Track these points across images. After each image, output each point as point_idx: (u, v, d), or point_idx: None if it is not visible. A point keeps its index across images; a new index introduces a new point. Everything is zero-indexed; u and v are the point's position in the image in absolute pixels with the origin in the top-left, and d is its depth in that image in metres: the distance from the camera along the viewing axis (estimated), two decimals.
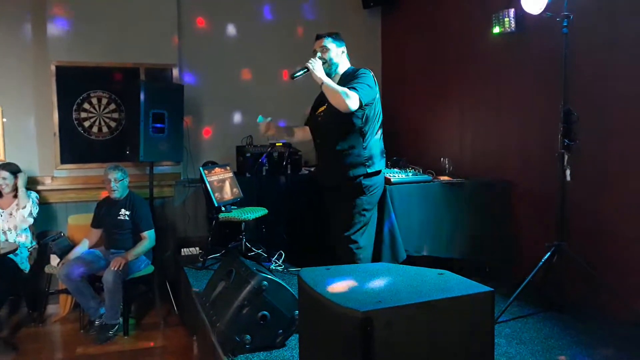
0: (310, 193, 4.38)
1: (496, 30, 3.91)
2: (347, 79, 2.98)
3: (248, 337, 2.69)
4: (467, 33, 4.41)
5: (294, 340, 2.80)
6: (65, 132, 4.81)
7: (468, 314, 1.67)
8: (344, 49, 3.12)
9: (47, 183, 4.82)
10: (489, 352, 1.72)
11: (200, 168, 4.37)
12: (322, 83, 2.86)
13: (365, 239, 3.06)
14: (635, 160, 3.03)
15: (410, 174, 3.83)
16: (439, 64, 4.82)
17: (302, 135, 3.35)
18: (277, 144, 4.95)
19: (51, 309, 4.39)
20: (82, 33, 4.80)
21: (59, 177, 4.84)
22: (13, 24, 4.73)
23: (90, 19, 4.81)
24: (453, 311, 1.64)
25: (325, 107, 3.02)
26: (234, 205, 4.39)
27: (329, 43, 3.06)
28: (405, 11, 5.43)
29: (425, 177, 3.84)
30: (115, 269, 3.75)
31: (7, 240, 4.18)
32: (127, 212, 4.10)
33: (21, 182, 4.30)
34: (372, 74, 3.01)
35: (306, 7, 5.56)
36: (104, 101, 4.92)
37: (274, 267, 4.26)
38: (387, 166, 4.09)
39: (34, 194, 4.41)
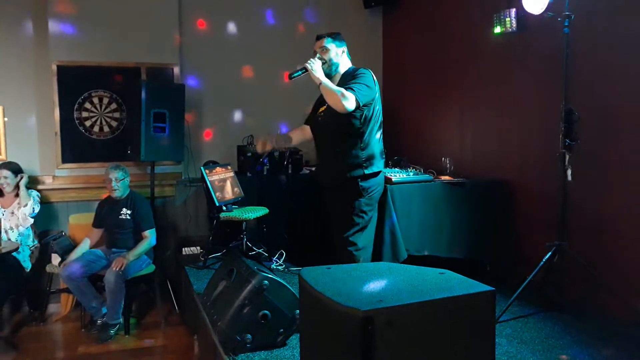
0: (311, 193, 4.38)
1: (497, 30, 3.91)
2: (347, 79, 2.97)
3: (249, 336, 2.69)
4: (468, 33, 4.41)
5: (294, 340, 2.80)
6: (67, 131, 4.81)
7: (469, 314, 1.66)
8: (344, 48, 3.11)
9: (48, 182, 4.83)
10: (489, 352, 1.72)
11: (202, 167, 4.37)
12: (320, 83, 2.86)
13: (363, 240, 3.04)
14: (636, 160, 3.03)
15: (411, 174, 3.83)
16: (440, 64, 4.82)
17: (301, 136, 3.32)
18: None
19: (52, 308, 4.40)
20: (83, 32, 4.80)
21: (60, 176, 4.85)
22: (14, 23, 4.73)
23: (92, 18, 4.82)
24: (454, 311, 1.64)
25: (325, 107, 3.02)
26: (235, 205, 4.39)
27: (329, 43, 3.05)
28: (406, 11, 5.43)
29: (426, 176, 3.84)
30: (117, 269, 3.75)
31: (9, 239, 4.19)
32: (129, 212, 4.10)
33: (23, 182, 4.31)
34: (371, 74, 3.00)
35: (307, 7, 5.55)
36: (105, 100, 4.93)
37: (274, 267, 4.26)
38: (388, 166, 4.09)
39: (35, 193, 4.42)
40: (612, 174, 3.18)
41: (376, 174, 3.02)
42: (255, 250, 4.43)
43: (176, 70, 5.11)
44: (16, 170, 4.34)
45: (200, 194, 4.87)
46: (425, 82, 5.10)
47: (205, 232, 4.87)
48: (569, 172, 3.16)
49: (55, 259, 4.10)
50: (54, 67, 4.74)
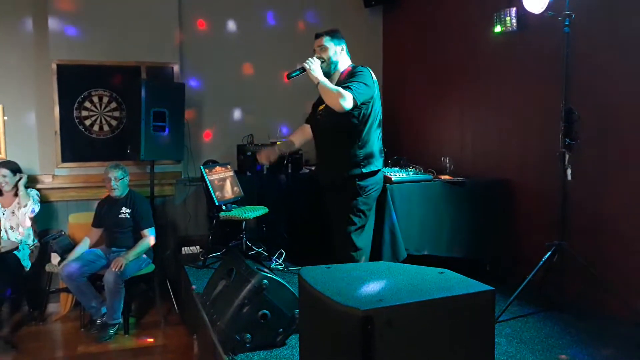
0: (311, 192, 4.38)
1: (497, 29, 3.91)
2: (346, 77, 2.96)
3: (248, 335, 2.69)
4: (469, 32, 4.41)
5: (294, 339, 2.80)
6: (66, 130, 4.81)
7: (468, 313, 1.66)
8: (343, 46, 3.09)
9: (48, 181, 4.83)
10: (489, 351, 1.72)
11: (201, 167, 4.38)
12: (318, 83, 2.86)
13: (362, 240, 3.02)
14: (636, 159, 3.02)
15: (411, 173, 3.83)
16: (440, 63, 4.82)
17: (302, 137, 3.31)
18: (278, 143, 4.94)
19: (52, 307, 4.40)
20: (83, 32, 4.80)
21: (60, 175, 4.85)
22: (14, 23, 4.72)
23: (92, 17, 4.82)
24: (453, 310, 1.64)
25: (324, 105, 3.02)
26: (234, 204, 4.39)
27: (327, 42, 3.04)
28: (407, 10, 5.43)
29: (426, 176, 3.84)
30: (116, 269, 3.75)
31: (9, 238, 4.18)
32: (128, 210, 4.10)
33: (22, 182, 4.30)
34: (370, 71, 2.99)
35: (307, 6, 5.55)
36: (105, 100, 4.93)
37: (274, 266, 4.25)
38: (388, 165, 4.09)
39: (34, 192, 4.41)
40: (612, 174, 3.18)
41: (374, 172, 3.00)
42: (254, 250, 4.43)
43: (176, 69, 5.10)
44: (15, 169, 4.33)
45: (199, 193, 4.87)
46: (425, 81, 5.10)
47: (204, 232, 4.87)
48: (569, 171, 3.16)
49: (55, 258, 4.10)
50: (54, 66, 4.74)
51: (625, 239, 3.10)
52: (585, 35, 3.25)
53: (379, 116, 3.04)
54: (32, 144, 4.82)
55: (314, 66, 2.89)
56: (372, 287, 1.74)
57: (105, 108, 4.93)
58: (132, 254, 3.94)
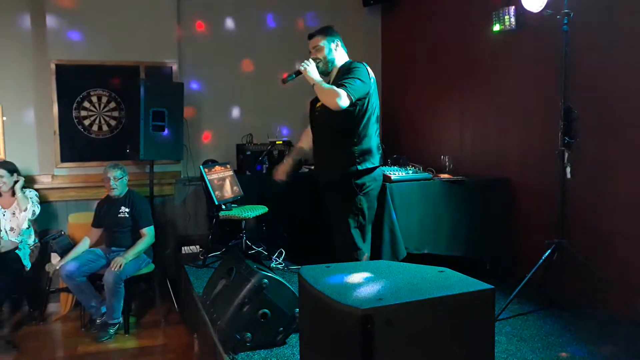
0: (310, 191, 4.38)
1: (496, 27, 3.91)
2: (343, 73, 2.95)
3: (249, 335, 2.69)
4: (467, 31, 4.40)
5: (294, 338, 2.80)
6: (66, 130, 4.81)
7: (468, 312, 1.66)
8: (338, 42, 3.08)
9: (47, 181, 4.82)
10: (489, 350, 1.72)
11: (201, 166, 4.37)
12: (314, 84, 2.86)
13: (362, 239, 3.01)
14: (635, 158, 3.03)
15: (410, 172, 3.83)
16: (439, 62, 4.82)
17: (309, 141, 3.30)
18: (277, 142, 4.95)
19: (52, 307, 4.40)
20: (82, 31, 4.80)
21: (59, 175, 4.85)
22: (12, 23, 4.72)
23: (90, 17, 4.81)
24: (453, 309, 1.64)
25: (321, 103, 3.02)
26: (234, 204, 4.39)
27: (321, 41, 3.04)
28: (405, 9, 5.42)
29: (425, 174, 3.84)
30: (115, 269, 3.75)
31: (9, 239, 4.18)
32: (127, 210, 4.10)
33: (18, 186, 4.26)
34: (366, 67, 2.97)
35: (305, 5, 5.54)
36: (104, 99, 4.93)
37: (274, 265, 4.26)
38: (387, 164, 4.09)
39: (33, 193, 4.39)
40: (611, 172, 3.18)
41: (371, 170, 2.98)
42: (254, 249, 4.43)
43: (175, 68, 5.10)
44: (12, 169, 4.31)
45: (199, 193, 4.87)
46: (424, 80, 5.10)
47: (204, 231, 4.87)
48: (568, 169, 3.16)
49: (55, 258, 4.10)
50: (53, 66, 4.74)
51: (625, 237, 3.10)
52: (584, 34, 3.25)
53: (376, 112, 3.02)
54: (31, 144, 4.82)
55: (310, 68, 2.91)
56: (372, 286, 1.74)
57: (104, 108, 4.93)
58: (132, 253, 3.94)
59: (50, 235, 4.24)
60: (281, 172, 3.36)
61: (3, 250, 3.82)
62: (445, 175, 3.95)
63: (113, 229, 4.12)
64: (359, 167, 2.94)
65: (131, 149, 4.62)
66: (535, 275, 3.16)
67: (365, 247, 3.05)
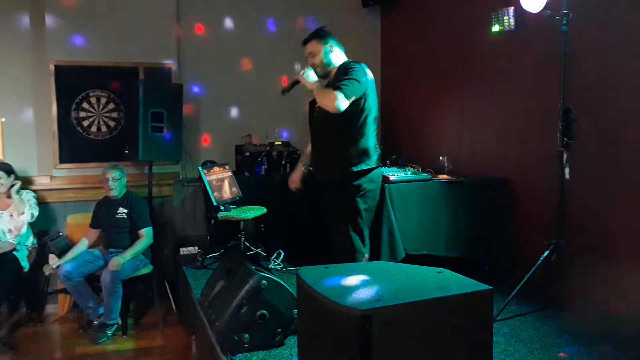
0: (309, 192, 4.38)
1: (495, 28, 3.91)
2: (340, 74, 2.94)
3: (247, 336, 2.69)
4: (467, 31, 4.41)
5: (292, 339, 2.80)
6: (64, 131, 4.81)
7: (467, 312, 1.66)
8: (332, 43, 3.05)
9: (46, 182, 4.82)
10: (487, 350, 1.72)
11: (199, 167, 4.37)
12: (312, 89, 2.88)
13: (361, 241, 3.00)
14: (634, 158, 3.03)
15: (409, 173, 3.83)
16: (438, 63, 4.82)
17: None
18: (276, 143, 4.95)
19: (50, 308, 4.39)
20: (82, 32, 4.80)
21: (58, 176, 4.84)
22: (12, 23, 4.71)
23: (90, 18, 4.81)
24: (452, 309, 1.64)
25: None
26: (232, 205, 4.39)
27: (316, 46, 3.04)
28: (405, 9, 5.43)
29: (424, 175, 3.84)
30: (113, 268, 3.75)
31: (7, 240, 4.17)
32: (125, 211, 4.09)
33: (14, 190, 4.21)
34: (363, 67, 2.95)
35: (304, 6, 5.54)
36: (103, 100, 4.92)
37: (272, 266, 4.26)
38: (386, 165, 4.09)
39: (31, 194, 4.35)
40: (610, 172, 3.18)
41: (367, 171, 2.97)
42: (253, 250, 4.43)
43: (174, 69, 5.10)
44: (8, 170, 4.27)
45: (198, 194, 4.87)
46: (423, 81, 5.10)
47: (203, 232, 4.87)
48: (567, 170, 3.16)
49: (53, 259, 4.09)
50: (52, 67, 4.73)
51: (624, 237, 3.10)
52: (583, 34, 3.25)
53: (374, 112, 3.00)
54: (30, 145, 4.81)
55: (309, 73, 2.92)
56: (371, 287, 1.74)
57: (103, 109, 4.93)
58: (129, 253, 3.93)
59: (48, 237, 4.23)
60: (295, 180, 3.39)
61: (1, 251, 3.80)
62: (444, 176, 3.95)
63: (111, 230, 4.12)
64: (354, 169, 2.93)
65: (130, 150, 4.61)
66: (534, 275, 3.15)
67: (364, 249, 3.04)
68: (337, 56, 3.07)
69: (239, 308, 2.69)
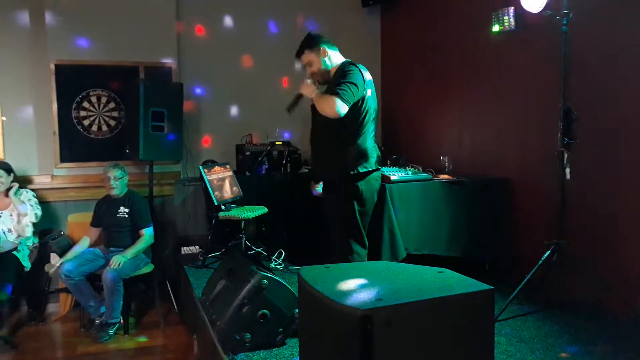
0: (310, 191, 4.38)
1: (496, 28, 3.91)
2: (338, 76, 2.92)
3: (248, 335, 2.69)
4: (467, 31, 4.41)
5: (294, 339, 2.80)
6: (65, 130, 4.81)
7: (468, 312, 1.66)
8: (324, 47, 3.01)
9: (47, 182, 4.82)
10: (488, 351, 1.72)
11: (200, 167, 4.37)
12: (312, 97, 2.90)
13: (358, 243, 2.98)
14: (634, 158, 3.03)
15: (410, 173, 3.83)
16: (439, 63, 4.82)
17: None
18: (277, 143, 4.95)
19: (51, 307, 4.39)
20: (82, 31, 4.80)
21: (59, 175, 4.84)
22: (12, 22, 4.71)
23: (90, 17, 4.81)
24: (453, 309, 1.64)
25: None
26: (233, 204, 4.39)
27: (308, 56, 3.02)
28: (405, 9, 5.42)
29: (425, 175, 3.84)
30: (114, 266, 3.75)
31: (7, 240, 4.17)
32: (126, 210, 4.10)
33: (12, 192, 4.21)
34: (359, 70, 2.91)
35: (304, 6, 5.54)
36: (104, 100, 4.92)
37: (274, 266, 4.26)
38: (387, 165, 4.09)
39: (31, 194, 4.35)
40: (611, 172, 3.18)
41: (364, 174, 2.93)
42: (254, 250, 4.43)
43: (174, 68, 5.10)
44: (8, 169, 4.26)
45: (199, 193, 4.87)
46: (423, 81, 5.10)
47: (204, 232, 4.87)
48: (568, 170, 3.16)
49: (54, 258, 4.09)
50: (52, 66, 4.73)
51: (625, 237, 3.10)
52: (583, 34, 3.25)
53: (373, 114, 2.99)
54: (31, 144, 4.82)
55: (309, 84, 2.94)
56: (372, 287, 1.74)
57: (103, 108, 4.93)
58: (130, 252, 3.94)
59: (49, 236, 4.23)
60: (316, 185, 3.35)
61: (2, 250, 3.80)
62: (445, 176, 3.95)
63: (112, 229, 4.12)
64: (351, 172, 2.91)
65: (130, 149, 4.61)
66: (534, 275, 3.15)
67: (361, 250, 3.00)
68: (333, 57, 3.05)
69: (240, 307, 2.70)
